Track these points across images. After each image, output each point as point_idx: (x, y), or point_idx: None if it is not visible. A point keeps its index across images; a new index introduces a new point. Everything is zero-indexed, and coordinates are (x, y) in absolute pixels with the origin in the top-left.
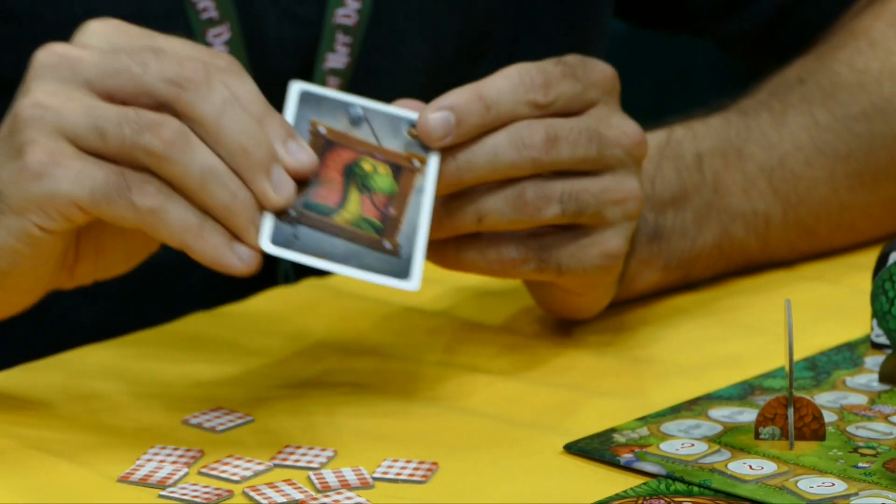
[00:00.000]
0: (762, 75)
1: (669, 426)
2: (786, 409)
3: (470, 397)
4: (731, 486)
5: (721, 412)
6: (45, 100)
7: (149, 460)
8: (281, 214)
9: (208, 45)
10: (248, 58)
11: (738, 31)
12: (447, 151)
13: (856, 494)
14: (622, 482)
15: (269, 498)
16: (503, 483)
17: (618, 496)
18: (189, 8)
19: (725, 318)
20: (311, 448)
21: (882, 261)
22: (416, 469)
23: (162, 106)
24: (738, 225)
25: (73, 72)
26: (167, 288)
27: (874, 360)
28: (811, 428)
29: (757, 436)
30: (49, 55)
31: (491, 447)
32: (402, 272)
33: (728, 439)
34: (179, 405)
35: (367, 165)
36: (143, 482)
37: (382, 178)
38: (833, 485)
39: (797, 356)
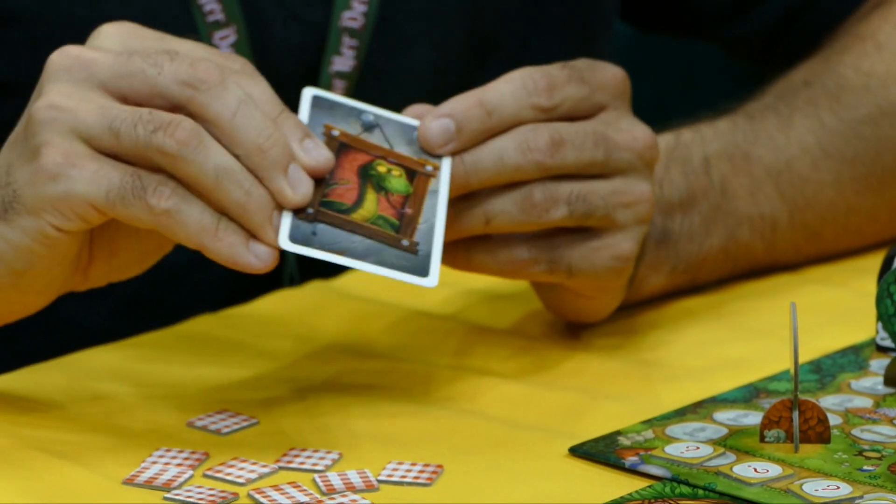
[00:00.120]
0: (767, 78)
1: (674, 429)
2: (791, 412)
3: (476, 400)
4: (736, 488)
5: (726, 415)
6: (59, 101)
7: (154, 462)
8: (299, 212)
9: (214, 47)
10: (254, 60)
11: (744, 34)
12: (455, 155)
13: (860, 498)
14: (627, 485)
15: (274, 500)
16: (508, 486)
17: (623, 499)
18: (195, 10)
19: (731, 321)
20: (316, 450)
21: (887, 264)
22: (420, 472)
23: (176, 108)
24: (745, 228)
25: (88, 73)
26: (173, 290)
27: (879, 363)
28: (816, 431)
29: (762, 439)
30: (63, 57)
31: (496, 450)
32: (421, 269)
33: (733, 442)
34: (185, 407)
35: (381, 168)
36: (149, 484)
37: (397, 180)
38: (838, 488)
39: (803, 359)
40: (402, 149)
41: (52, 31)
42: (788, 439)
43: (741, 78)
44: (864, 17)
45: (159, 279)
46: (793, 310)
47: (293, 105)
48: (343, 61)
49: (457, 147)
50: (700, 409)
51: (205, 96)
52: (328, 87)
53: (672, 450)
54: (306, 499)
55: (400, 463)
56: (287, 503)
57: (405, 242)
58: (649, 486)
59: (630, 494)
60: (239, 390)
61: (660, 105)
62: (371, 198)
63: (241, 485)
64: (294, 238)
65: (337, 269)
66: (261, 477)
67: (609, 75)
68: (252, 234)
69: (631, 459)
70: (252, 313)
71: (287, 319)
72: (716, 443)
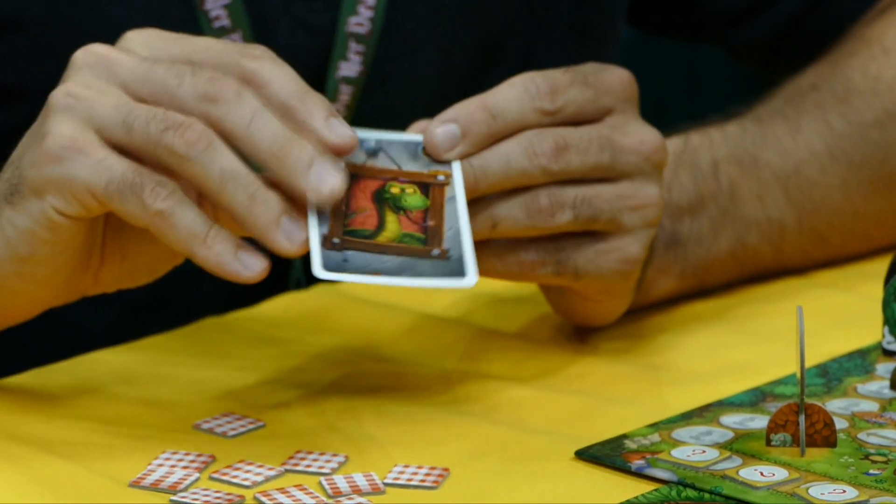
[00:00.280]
0: (773, 82)
1: (681, 432)
2: (797, 416)
3: (483, 403)
4: (742, 492)
5: (732, 419)
6: (78, 91)
7: (160, 465)
8: (325, 242)
9: None
10: None
11: (751, 39)
12: (462, 160)
13: (867, 501)
14: (633, 489)
15: (281, 503)
16: (514, 489)
17: (629, 503)
18: (201, 16)
19: (738, 325)
20: (322, 453)
21: (893, 268)
22: (427, 475)
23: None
24: (753, 232)
25: (111, 72)
26: (179, 294)
27: (885, 367)
28: (822, 435)
29: (768, 442)
30: (89, 54)
31: (502, 453)
32: (458, 271)
33: (739, 446)
34: (191, 410)
35: (394, 189)
36: (155, 487)
37: (413, 197)
38: (844, 492)
39: (809, 363)
40: (410, 166)
41: (56, 37)
42: (795, 443)
43: (743, 79)
44: (871, 21)
45: (166, 284)
46: (799, 314)
47: None
48: (349, 67)
49: (463, 151)
50: (706, 412)
51: (221, 109)
52: (335, 93)
53: (678, 453)
54: (312, 502)
55: (406, 466)
56: None
57: (436, 252)
58: (655, 490)
59: (636, 498)
60: (245, 393)
61: (661, 106)
62: (392, 219)
63: (248, 487)
64: (327, 266)
65: None
66: (267, 480)
67: (615, 78)
68: (258, 239)
69: (637, 463)
70: (259, 316)
71: (294, 323)
72: (722, 446)
